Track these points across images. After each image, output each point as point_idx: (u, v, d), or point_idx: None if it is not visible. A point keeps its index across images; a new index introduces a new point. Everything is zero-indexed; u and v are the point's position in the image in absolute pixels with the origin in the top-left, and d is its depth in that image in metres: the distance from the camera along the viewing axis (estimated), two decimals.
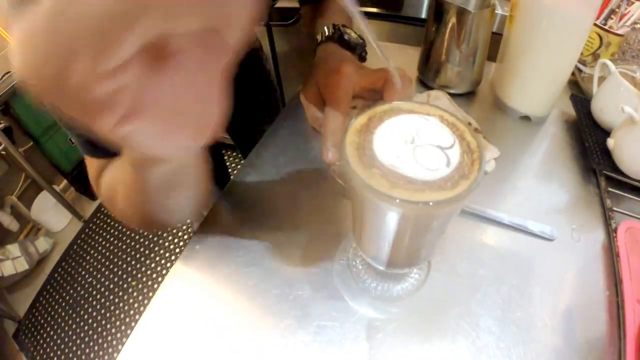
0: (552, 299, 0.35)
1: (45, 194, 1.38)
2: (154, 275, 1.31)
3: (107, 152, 0.37)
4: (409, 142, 0.21)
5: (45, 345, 1.18)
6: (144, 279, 1.30)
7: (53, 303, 1.27)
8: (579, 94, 0.55)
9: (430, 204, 0.19)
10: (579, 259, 0.38)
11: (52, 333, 1.21)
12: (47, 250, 1.38)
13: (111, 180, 0.37)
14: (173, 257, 1.34)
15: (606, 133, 0.46)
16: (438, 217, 0.22)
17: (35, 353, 1.17)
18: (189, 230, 1.38)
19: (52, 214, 1.42)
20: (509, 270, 0.36)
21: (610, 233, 0.39)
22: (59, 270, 1.36)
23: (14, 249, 1.28)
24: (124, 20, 0.11)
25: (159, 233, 1.41)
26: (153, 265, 1.33)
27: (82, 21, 0.10)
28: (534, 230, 0.39)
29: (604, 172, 0.44)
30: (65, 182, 1.51)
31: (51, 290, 1.31)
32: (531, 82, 0.49)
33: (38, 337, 1.21)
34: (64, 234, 1.46)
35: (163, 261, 1.34)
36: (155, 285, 1.27)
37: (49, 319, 1.24)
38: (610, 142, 0.44)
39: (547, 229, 0.39)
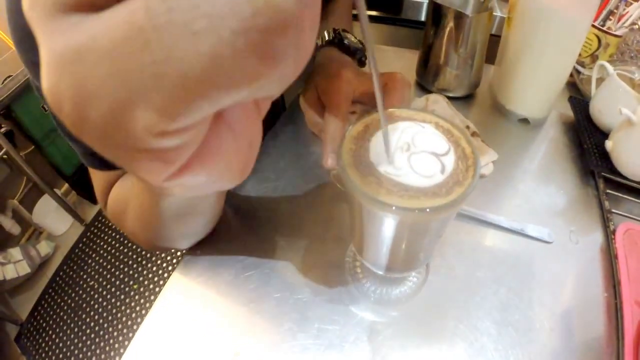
0: (551, 301, 0.35)
1: (46, 197, 1.39)
2: (156, 279, 1.31)
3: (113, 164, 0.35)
4: (404, 149, 0.21)
5: (47, 349, 1.19)
6: (146, 282, 1.30)
7: (55, 306, 1.28)
8: (578, 95, 0.55)
9: (427, 210, 0.19)
10: (578, 261, 0.38)
11: (54, 336, 1.21)
12: (49, 254, 1.39)
13: (122, 197, 0.34)
14: (175, 260, 1.34)
15: (605, 135, 0.47)
16: (434, 223, 0.22)
17: (37, 356, 1.18)
18: None
19: (53, 217, 1.43)
20: (508, 272, 0.37)
21: (609, 235, 0.39)
22: (61, 273, 1.36)
23: (15, 252, 1.29)
24: (208, 86, 0.08)
25: None
26: (155, 268, 1.34)
27: (163, 68, 0.08)
28: (532, 233, 0.39)
29: (603, 174, 0.44)
30: (66, 185, 1.52)
31: (53, 294, 1.31)
32: (529, 85, 0.49)
33: (40, 340, 1.21)
34: (65, 238, 1.46)
35: (165, 264, 1.35)
36: (157, 288, 1.27)
37: (50, 322, 1.24)
38: (609, 144, 0.44)
39: (545, 231, 0.39)
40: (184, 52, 0.08)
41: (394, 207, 0.19)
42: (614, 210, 0.41)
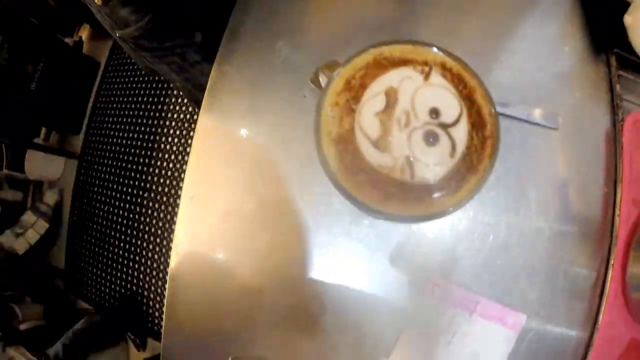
0: (549, 193, 0.35)
1: (30, 151, 1.35)
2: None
3: None
4: (403, 123, 0.17)
5: (93, 282, 1.32)
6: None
7: (84, 243, 1.37)
8: None
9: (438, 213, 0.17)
10: (580, 149, 0.37)
11: (96, 270, 1.33)
12: (58, 200, 1.41)
13: None
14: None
15: (625, 5, 0.39)
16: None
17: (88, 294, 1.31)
18: None
19: (45, 165, 1.41)
20: (503, 156, 0.35)
21: (617, 124, 0.37)
22: (75, 212, 1.41)
23: (28, 217, 1.32)
24: None
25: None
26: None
27: None
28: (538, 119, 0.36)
29: (615, 50, 0.39)
30: (44, 130, 1.44)
31: (79, 232, 1.39)
32: None
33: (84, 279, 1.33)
34: (65, 177, 1.46)
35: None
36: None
37: (87, 259, 1.35)
38: (628, 19, 0.37)
39: (539, 113, 0.36)
40: None
41: (396, 215, 0.16)
42: (625, 98, 0.37)
